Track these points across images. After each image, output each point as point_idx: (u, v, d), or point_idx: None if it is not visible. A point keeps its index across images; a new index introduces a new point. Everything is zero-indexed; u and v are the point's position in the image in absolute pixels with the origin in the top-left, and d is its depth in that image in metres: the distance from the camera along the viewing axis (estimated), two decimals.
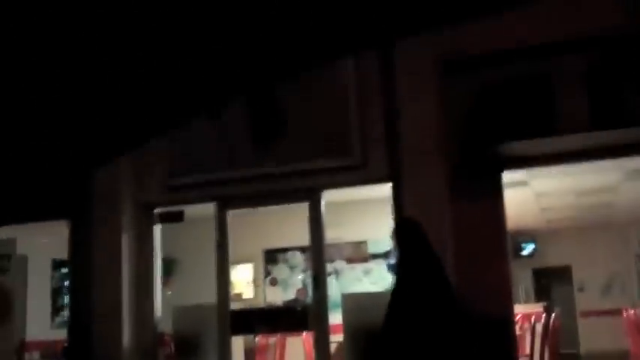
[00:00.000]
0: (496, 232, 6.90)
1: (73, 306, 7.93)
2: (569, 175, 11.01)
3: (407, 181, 6.98)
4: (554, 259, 18.64)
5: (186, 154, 7.73)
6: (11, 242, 8.43)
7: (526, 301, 16.89)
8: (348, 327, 7.15)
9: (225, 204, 7.69)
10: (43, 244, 10.95)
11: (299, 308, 8.56)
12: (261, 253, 12.39)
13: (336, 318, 7.32)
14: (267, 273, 12.43)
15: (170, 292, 8.52)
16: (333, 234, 7.95)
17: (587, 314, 17.88)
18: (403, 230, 5.43)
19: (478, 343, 5.27)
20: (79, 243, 7.86)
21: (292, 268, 12.12)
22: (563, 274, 18.86)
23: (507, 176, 7.13)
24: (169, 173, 7.78)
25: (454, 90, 6.94)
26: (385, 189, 7.28)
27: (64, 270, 10.59)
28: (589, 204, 14.57)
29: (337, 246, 11.64)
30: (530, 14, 6.73)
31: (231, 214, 7.73)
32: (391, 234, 5.38)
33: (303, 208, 7.45)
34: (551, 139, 6.73)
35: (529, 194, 12.72)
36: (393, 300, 5.20)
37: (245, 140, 7.55)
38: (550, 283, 19.29)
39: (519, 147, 6.84)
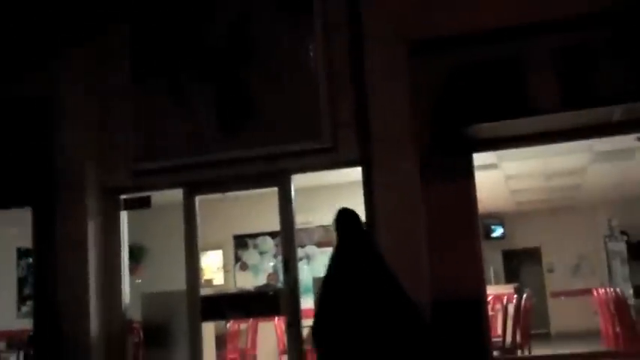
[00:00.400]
0: (468, 214, 6.90)
1: (39, 295, 7.76)
2: (539, 157, 11.09)
3: (378, 164, 6.93)
4: (523, 241, 18.83)
5: (153, 138, 7.60)
6: None
7: (496, 283, 17.01)
8: None
9: (193, 190, 7.60)
10: (8, 233, 10.74)
11: (270, 293, 8.45)
12: (230, 239, 12.36)
13: (307, 302, 7.24)
14: (238, 259, 12.42)
15: (139, 280, 8.40)
16: (303, 218, 7.92)
17: (556, 295, 18.07)
18: (343, 219, 5.42)
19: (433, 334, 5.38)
20: (42, 231, 7.68)
21: (263, 253, 12.11)
22: (532, 255, 19.07)
23: (478, 159, 7.09)
24: (135, 158, 7.63)
25: (424, 72, 6.91)
26: (356, 172, 7.25)
27: (30, 259, 10.36)
28: (558, 186, 14.70)
29: (308, 230, 11.64)
30: None
31: (200, 200, 7.63)
32: (332, 223, 5.38)
33: (272, 193, 7.39)
34: (522, 120, 6.73)
35: (499, 177, 12.80)
36: (326, 288, 5.17)
37: (212, 124, 7.44)
38: (520, 264, 19.48)
39: (490, 128, 6.83)
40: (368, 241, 5.42)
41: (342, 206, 5.49)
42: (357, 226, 5.34)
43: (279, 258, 8.33)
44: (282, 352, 9.81)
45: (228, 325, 9.94)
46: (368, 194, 7.08)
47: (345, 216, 5.41)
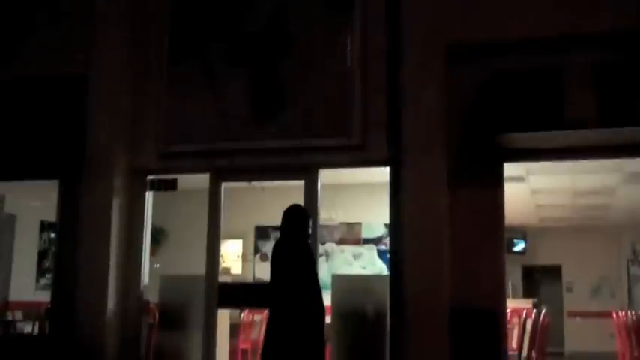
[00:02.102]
0: (493, 224, 6.83)
1: (59, 268, 7.82)
2: (568, 174, 10.99)
3: (406, 165, 6.90)
4: (544, 257, 18.65)
5: (184, 122, 7.61)
6: None
7: (514, 297, 16.86)
8: (337, 308, 7.12)
9: (219, 176, 7.59)
10: (33, 206, 10.85)
11: None
12: (252, 229, 12.37)
13: (325, 299, 7.14)
14: (257, 249, 12.40)
15: (157, 265, 8.39)
16: (325, 215, 7.91)
17: (574, 314, 17.88)
18: (291, 216, 5.78)
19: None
20: (68, 205, 7.73)
21: None
22: (552, 273, 18.87)
23: (505, 170, 7.02)
24: (165, 140, 7.65)
25: (460, 77, 6.86)
26: (383, 173, 7.22)
27: (53, 234, 10.44)
28: (585, 205, 14.54)
29: (329, 228, 11.61)
30: (543, 4, 6.71)
31: (225, 187, 7.62)
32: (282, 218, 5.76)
33: (298, 187, 7.35)
34: (556, 133, 6.66)
35: (525, 190, 12.69)
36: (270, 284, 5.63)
37: (244, 112, 7.43)
38: (539, 281, 19.30)
39: (522, 139, 6.78)
40: (302, 245, 5.65)
41: (294, 204, 5.81)
42: (299, 227, 5.63)
43: None
44: None
45: (242, 314, 9.91)
46: (394, 195, 7.06)
47: (292, 214, 5.70)
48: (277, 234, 10.19)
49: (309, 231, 5.74)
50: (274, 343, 5.35)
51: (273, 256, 5.67)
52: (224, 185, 7.61)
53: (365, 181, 9.63)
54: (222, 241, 7.67)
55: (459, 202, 6.76)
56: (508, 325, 7.54)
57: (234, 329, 9.25)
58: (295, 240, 5.60)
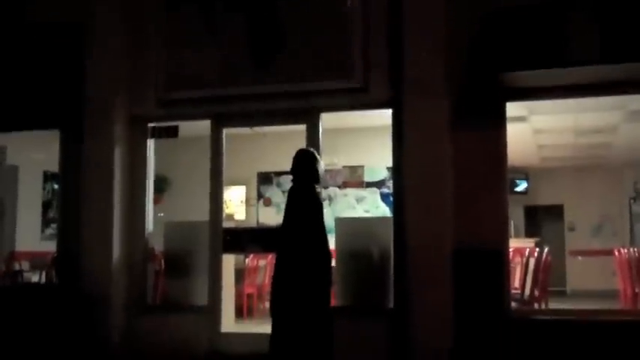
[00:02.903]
0: (496, 164, 6.79)
1: (63, 217, 7.83)
2: (570, 112, 10.88)
3: (408, 107, 6.87)
4: (546, 197, 18.65)
5: (183, 68, 7.55)
6: (1, 150, 8.26)
7: (516, 237, 16.92)
8: (340, 250, 7.15)
9: (220, 122, 7.56)
10: (36, 157, 10.88)
11: None
12: (254, 176, 12.37)
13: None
14: (260, 195, 12.44)
15: (161, 214, 8.43)
16: (328, 160, 7.86)
17: (575, 253, 17.97)
18: (300, 160, 5.62)
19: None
20: (69, 155, 7.72)
21: (285, 192, 11.94)
22: (554, 213, 18.90)
23: (507, 110, 6.93)
24: (165, 87, 7.60)
25: (461, 15, 6.79)
26: (385, 116, 7.17)
27: (56, 185, 10.42)
28: (587, 144, 14.48)
29: (332, 172, 11.62)
30: None
31: (227, 134, 7.61)
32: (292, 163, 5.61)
33: (300, 132, 7.32)
34: (558, 70, 6.58)
35: (527, 130, 12.60)
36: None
37: (244, 57, 7.37)
38: (541, 221, 19.35)
39: (526, 77, 6.70)
40: (310, 190, 5.50)
41: (304, 147, 5.70)
42: (308, 171, 5.48)
43: None
44: None
45: (247, 260, 9.95)
46: (396, 137, 7.03)
47: (300, 158, 5.57)
48: (280, 179, 10.29)
49: (320, 174, 5.66)
50: (283, 286, 5.35)
51: (287, 200, 5.64)
52: (225, 131, 7.58)
53: (367, 125, 9.57)
54: (225, 187, 7.68)
55: (462, 143, 6.74)
56: (511, 265, 7.53)
57: (240, 274, 9.29)
58: (306, 184, 5.54)
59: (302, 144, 7.08)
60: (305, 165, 5.57)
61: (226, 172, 7.59)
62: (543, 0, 6.66)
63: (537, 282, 8.83)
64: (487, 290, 6.60)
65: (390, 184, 8.67)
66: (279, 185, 12.16)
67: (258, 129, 8.82)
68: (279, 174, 11.91)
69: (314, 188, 5.56)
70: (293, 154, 5.74)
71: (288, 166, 5.75)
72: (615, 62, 6.41)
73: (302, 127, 7.30)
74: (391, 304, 6.86)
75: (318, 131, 7.28)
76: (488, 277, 6.61)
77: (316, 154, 5.70)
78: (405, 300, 6.64)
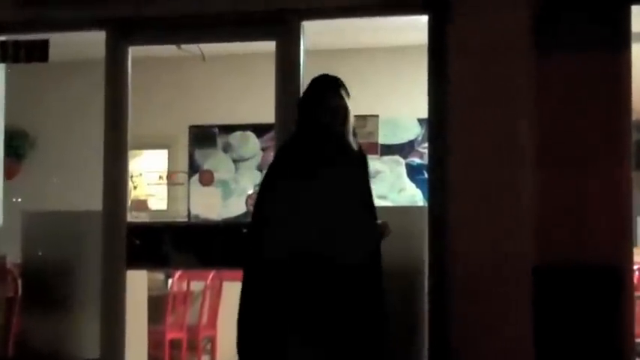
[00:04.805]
0: (612, 114, 4.96)
1: None
2: None
3: (459, 14, 5.09)
4: None
5: None
6: None
7: None
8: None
9: (122, 34, 5.63)
10: None
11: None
12: (184, 133, 9.74)
13: None
14: (195, 167, 9.93)
15: (18, 199, 6.74)
16: None
17: None
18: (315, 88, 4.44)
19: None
20: None
21: (239, 161, 9.64)
22: None
23: (631, 21, 5.07)
24: None
25: None
26: (417, 28, 5.26)
27: None
28: None
29: None
30: None
31: (135, 56, 5.70)
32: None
33: (267, 55, 5.44)
34: None
35: None
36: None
37: None
38: None
39: None
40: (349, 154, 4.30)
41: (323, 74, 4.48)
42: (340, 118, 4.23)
43: None
44: None
45: (170, 280, 7.65)
46: (435, 67, 5.15)
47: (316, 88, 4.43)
48: (230, 139, 9.06)
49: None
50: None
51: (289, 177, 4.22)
52: (132, 51, 5.71)
53: (383, 44, 7.77)
54: (131, 152, 5.97)
55: (552, 77, 5.00)
56: (637, 293, 5.86)
57: (157, 307, 6.95)
58: (339, 144, 4.10)
59: (268, 74, 5.36)
60: (333, 109, 4.22)
61: (134, 124, 5.79)
62: None
63: None
64: (594, 334, 4.94)
65: (425, 149, 6.73)
66: (228, 149, 9.71)
67: (190, 47, 6.93)
68: (229, 129, 9.49)
69: (354, 153, 4.24)
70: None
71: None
72: None
73: (270, 45, 5.38)
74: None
75: (298, 53, 5.38)
76: (595, 313, 4.92)
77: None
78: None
